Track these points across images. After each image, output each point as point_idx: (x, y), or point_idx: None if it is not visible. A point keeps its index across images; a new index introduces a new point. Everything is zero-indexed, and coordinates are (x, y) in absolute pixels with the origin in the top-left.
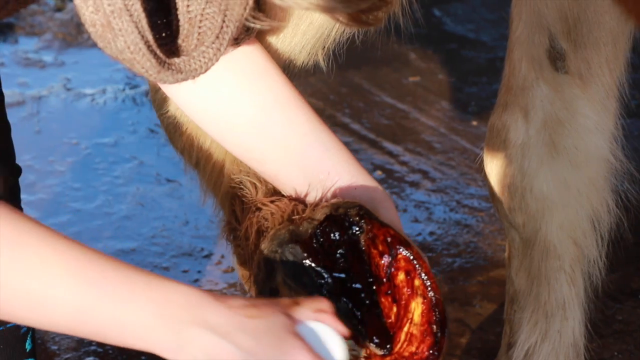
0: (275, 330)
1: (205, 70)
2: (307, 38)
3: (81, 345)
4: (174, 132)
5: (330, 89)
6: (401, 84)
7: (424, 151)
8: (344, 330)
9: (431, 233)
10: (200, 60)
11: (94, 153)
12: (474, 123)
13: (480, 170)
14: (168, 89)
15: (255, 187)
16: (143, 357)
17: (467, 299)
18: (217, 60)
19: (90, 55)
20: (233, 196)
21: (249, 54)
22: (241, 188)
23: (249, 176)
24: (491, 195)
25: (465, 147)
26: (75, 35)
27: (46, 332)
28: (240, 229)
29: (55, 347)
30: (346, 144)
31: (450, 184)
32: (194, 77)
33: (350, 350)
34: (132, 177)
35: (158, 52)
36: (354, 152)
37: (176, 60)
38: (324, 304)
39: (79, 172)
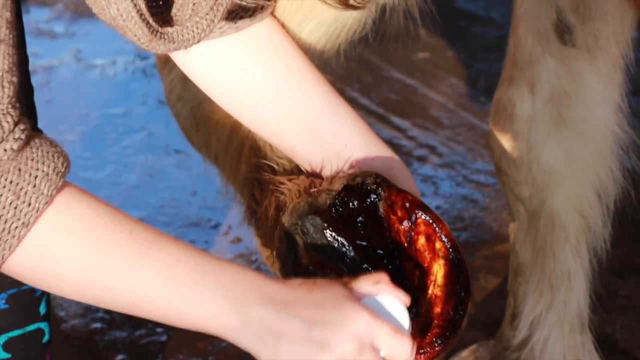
0: (336, 299)
1: (198, 41)
2: (324, 28)
3: (88, 312)
4: (190, 129)
5: (340, 64)
6: (410, 60)
7: (431, 126)
8: (405, 298)
9: (437, 207)
10: (193, 31)
11: (103, 123)
12: (482, 99)
13: (487, 146)
14: (182, 64)
15: (273, 169)
16: (149, 325)
17: (472, 272)
18: (210, 31)
19: (101, 27)
20: (252, 180)
21: (265, 29)
22: (259, 172)
23: (265, 159)
24: (497, 169)
25: (473, 123)
26: (86, 6)
27: (54, 298)
28: (260, 210)
29: (63, 314)
30: None
31: (457, 159)
32: (186, 47)
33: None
34: (141, 147)
35: (150, 20)
36: None
37: (169, 29)
38: (381, 276)
39: (88, 142)
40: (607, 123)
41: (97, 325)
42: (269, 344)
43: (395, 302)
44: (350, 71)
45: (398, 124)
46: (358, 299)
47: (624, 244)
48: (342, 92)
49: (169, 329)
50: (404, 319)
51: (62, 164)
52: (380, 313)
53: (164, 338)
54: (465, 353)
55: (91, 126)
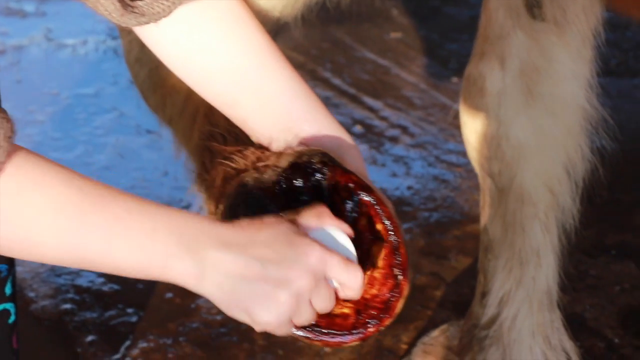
0: (287, 235)
1: (168, 14)
2: None
3: (58, 292)
4: (147, 91)
5: (312, 44)
6: (382, 40)
7: (403, 107)
8: (348, 229)
9: (409, 187)
10: (163, 4)
11: (74, 103)
12: (455, 79)
13: (459, 126)
14: (141, 32)
15: (224, 139)
16: (120, 305)
17: (443, 252)
18: (179, 3)
19: (71, 6)
20: (203, 148)
21: (225, 1)
22: (210, 140)
23: (218, 128)
24: (466, 144)
25: (445, 103)
26: None
27: (23, 279)
28: (208, 179)
29: (33, 294)
30: (326, 99)
31: (429, 139)
32: (156, 21)
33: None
34: (112, 127)
35: None
36: (334, 106)
37: (139, 3)
38: (322, 209)
39: (59, 122)
40: (576, 99)
41: (67, 306)
42: (226, 287)
43: (340, 233)
44: (323, 51)
45: (370, 104)
46: (305, 233)
47: (594, 223)
48: (314, 73)
49: (140, 310)
50: (351, 249)
51: (10, 129)
52: (328, 245)
53: (134, 319)
54: (435, 333)
55: (62, 106)
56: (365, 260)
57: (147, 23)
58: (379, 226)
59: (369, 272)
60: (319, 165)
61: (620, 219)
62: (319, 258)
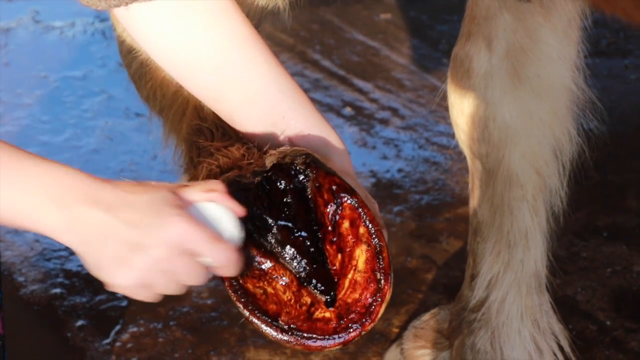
0: (158, 203)
1: None
2: None
3: (48, 277)
4: (139, 80)
5: (301, 26)
6: (372, 21)
7: (394, 88)
8: (238, 208)
9: (399, 170)
10: None
11: (62, 86)
12: (445, 61)
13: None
14: (126, 22)
15: (212, 133)
16: (110, 290)
17: (434, 235)
18: None
19: None
20: (190, 142)
21: None
22: (198, 135)
23: (206, 122)
24: (454, 126)
25: (435, 84)
26: None
27: (12, 263)
28: (194, 173)
29: (22, 279)
30: (316, 81)
31: (419, 121)
32: (126, 5)
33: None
34: (100, 110)
35: None
36: (324, 88)
37: None
38: (216, 184)
39: (47, 105)
40: (562, 80)
41: (57, 290)
42: (88, 244)
43: (225, 210)
44: (312, 33)
45: (360, 86)
46: (185, 205)
47: (584, 205)
48: (303, 55)
49: None
50: (233, 228)
51: None
52: (207, 220)
53: (124, 303)
54: (426, 316)
55: (50, 89)
56: (348, 263)
57: (117, 6)
58: (361, 229)
59: (350, 276)
60: (302, 167)
61: (612, 200)
62: (182, 231)
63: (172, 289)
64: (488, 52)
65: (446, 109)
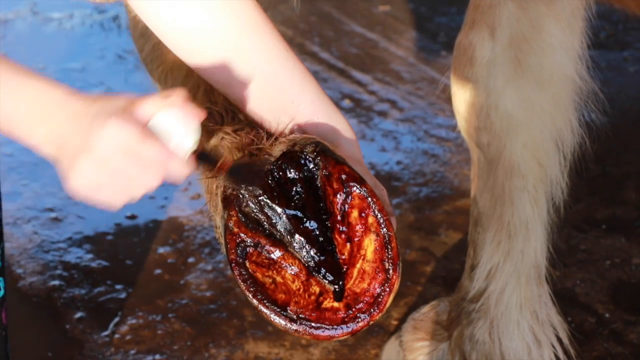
0: (108, 109)
1: None
2: None
3: (46, 269)
4: (151, 63)
5: (300, 18)
6: (371, 13)
7: (392, 81)
8: (195, 110)
9: (398, 162)
10: None
11: (61, 78)
12: (443, 53)
13: (448, 100)
14: (138, 8)
15: (222, 117)
16: (108, 282)
17: (433, 228)
18: None
19: None
20: (201, 127)
21: None
22: (208, 118)
23: (216, 106)
24: (456, 115)
25: (434, 77)
26: None
27: (10, 255)
28: None
29: (21, 271)
30: (315, 73)
31: (418, 113)
32: None
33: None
34: None
35: None
36: (323, 80)
37: None
38: (175, 94)
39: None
40: (565, 70)
41: (56, 282)
42: (60, 154)
43: (180, 117)
44: (311, 25)
45: (359, 78)
46: (145, 114)
47: (584, 198)
48: (302, 46)
49: (129, 287)
50: (185, 133)
51: None
52: (160, 128)
53: (123, 295)
54: (425, 308)
55: None
56: (356, 253)
57: None
58: (370, 219)
59: (358, 265)
60: (312, 156)
61: (610, 193)
62: (116, 129)
63: (129, 192)
64: (491, 41)
65: (445, 101)
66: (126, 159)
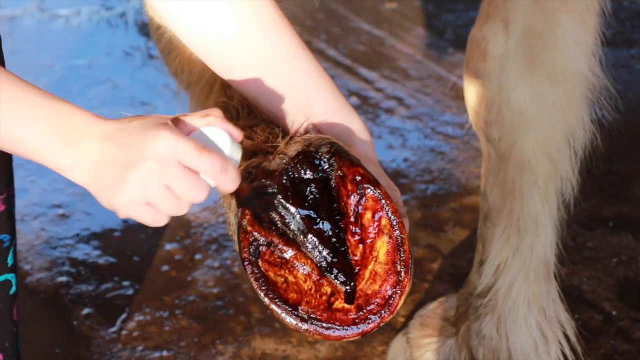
0: (149, 124)
1: None
2: None
3: (54, 265)
4: (168, 55)
5: (307, 15)
6: (378, 10)
7: (399, 78)
8: (236, 132)
9: (405, 159)
10: None
11: (68, 75)
12: (450, 50)
13: (456, 97)
14: (153, 3)
15: (238, 112)
16: (116, 278)
17: (440, 225)
18: None
19: None
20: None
21: None
22: (224, 112)
23: (232, 101)
24: (468, 108)
25: (441, 74)
26: None
27: (19, 252)
28: None
29: (28, 267)
30: None
31: (425, 111)
32: None
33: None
34: (106, 99)
35: None
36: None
37: None
38: (213, 110)
39: (52, 93)
40: (578, 66)
41: (63, 279)
42: (95, 176)
43: (222, 133)
44: (318, 22)
45: (365, 75)
46: (184, 131)
47: (591, 195)
48: (309, 44)
49: (136, 283)
50: (230, 148)
51: None
52: (206, 144)
53: (130, 292)
54: (433, 305)
55: (55, 77)
56: (368, 254)
57: None
58: (383, 221)
59: (370, 267)
60: (327, 156)
61: (618, 190)
62: (167, 143)
63: (174, 206)
64: (505, 35)
65: (452, 98)
66: (180, 169)
